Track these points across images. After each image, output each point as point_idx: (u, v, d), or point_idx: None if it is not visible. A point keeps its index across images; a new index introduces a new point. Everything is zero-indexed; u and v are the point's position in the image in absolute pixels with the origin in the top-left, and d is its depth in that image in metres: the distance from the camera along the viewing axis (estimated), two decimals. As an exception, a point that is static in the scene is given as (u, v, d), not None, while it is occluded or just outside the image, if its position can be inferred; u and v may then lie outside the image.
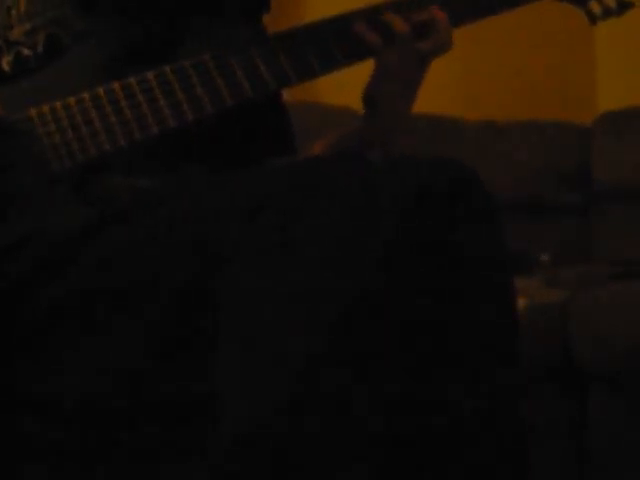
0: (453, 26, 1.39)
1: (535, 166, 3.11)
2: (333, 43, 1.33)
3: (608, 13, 1.48)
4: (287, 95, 1.48)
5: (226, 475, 1.03)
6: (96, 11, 1.32)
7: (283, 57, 1.30)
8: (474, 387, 1.13)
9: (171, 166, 1.30)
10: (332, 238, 1.05)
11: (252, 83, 1.29)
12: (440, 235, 1.14)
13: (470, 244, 1.15)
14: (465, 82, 3.28)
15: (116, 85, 1.27)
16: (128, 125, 1.26)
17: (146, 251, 1.15)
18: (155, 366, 1.15)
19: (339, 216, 1.05)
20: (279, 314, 1.04)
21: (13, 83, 1.30)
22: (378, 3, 1.38)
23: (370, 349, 1.04)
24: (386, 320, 1.05)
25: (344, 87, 2.96)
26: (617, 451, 2.31)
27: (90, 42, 1.31)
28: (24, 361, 1.16)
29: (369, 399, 1.04)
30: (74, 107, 1.26)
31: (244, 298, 1.06)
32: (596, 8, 1.50)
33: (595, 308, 2.38)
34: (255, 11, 1.43)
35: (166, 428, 1.18)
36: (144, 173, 1.28)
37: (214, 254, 1.10)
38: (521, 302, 2.34)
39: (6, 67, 1.31)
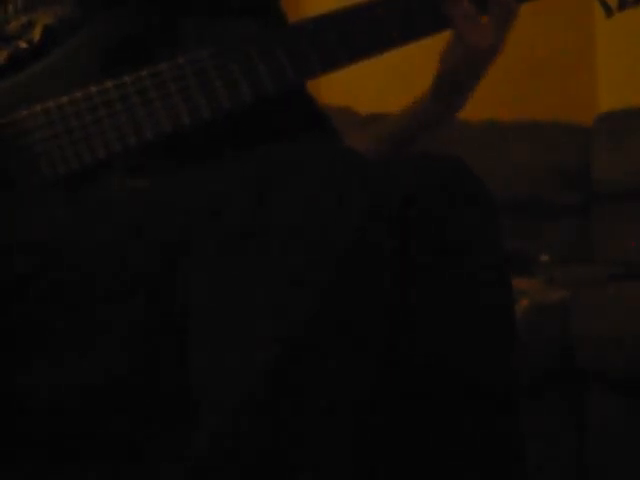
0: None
1: (535, 166, 3.10)
2: (336, 41, 1.28)
3: (625, 4, 1.42)
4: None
5: (205, 475, 1.02)
6: (93, 4, 1.31)
7: (284, 56, 1.28)
8: (472, 387, 1.14)
9: (171, 166, 1.29)
10: (299, 230, 1.04)
11: (251, 84, 1.26)
12: (431, 235, 1.14)
13: (465, 243, 1.15)
14: (465, 82, 3.27)
15: (110, 84, 1.25)
16: (122, 130, 1.24)
17: (114, 253, 1.15)
18: (130, 367, 1.15)
19: (306, 207, 1.04)
20: (247, 310, 1.03)
21: (8, 76, 1.28)
22: None
23: (340, 346, 1.03)
24: (358, 311, 1.04)
25: (344, 87, 2.96)
26: (617, 451, 2.31)
27: (86, 35, 1.29)
28: (10, 360, 1.17)
29: (346, 396, 1.03)
30: (67, 108, 1.25)
31: (213, 294, 1.06)
32: None
33: (595, 308, 2.38)
34: (260, 5, 1.41)
35: (144, 429, 1.18)
36: (143, 173, 1.28)
37: (181, 252, 1.10)
38: (521, 302, 2.34)
39: (2, 61, 1.30)
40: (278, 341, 1.01)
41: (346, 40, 1.29)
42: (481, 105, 3.37)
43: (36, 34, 1.30)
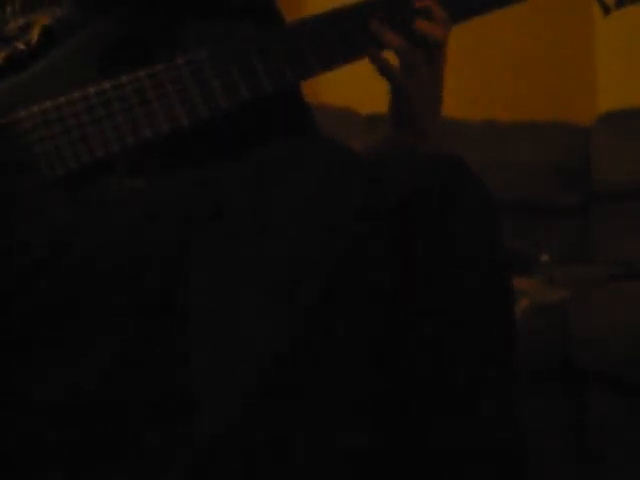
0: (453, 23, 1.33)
1: (535, 166, 3.11)
2: (335, 40, 1.28)
3: (622, 2, 1.41)
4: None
5: (203, 474, 1.03)
6: (91, 5, 1.31)
7: (282, 56, 1.28)
8: (472, 387, 1.14)
9: (169, 167, 1.29)
10: (298, 229, 1.04)
11: (248, 85, 1.26)
12: (431, 235, 1.14)
13: (465, 243, 1.15)
14: (465, 82, 3.27)
15: (107, 85, 1.25)
16: (120, 130, 1.24)
17: (114, 253, 1.15)
18: (129, 367, 1.15)
19: (306, 207, 1.04)
20: (247, 310, 1.03)
21: (7, 77, 1.28)
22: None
23: (339, 345, 1.03)
24: (358, 310, 1.04)
25: (344, 87, 2.96)
26: (617, 451, 2.31)
27: (84, 36, 1.29)
28: (10, 360, 1.17)
29: (345, 395, 1.03)
30: (65, 109, 1.25)
31: (213, 294, 1.06)
32: None
33: (595, 308, 2.38)
34: (260, 5, 1.41)
35: (144, 428, 1.18)
36: (141, 173, 1.28)
37: (181, 252, 1.10)
38: (521, 302, 2.34)
39: (0, 62, 1.30)
40: (278, 341, 1.01)
41: (344, 39, 1.29)
42: (481, 105, 3.38)
43: (34, 35, 1.30)
